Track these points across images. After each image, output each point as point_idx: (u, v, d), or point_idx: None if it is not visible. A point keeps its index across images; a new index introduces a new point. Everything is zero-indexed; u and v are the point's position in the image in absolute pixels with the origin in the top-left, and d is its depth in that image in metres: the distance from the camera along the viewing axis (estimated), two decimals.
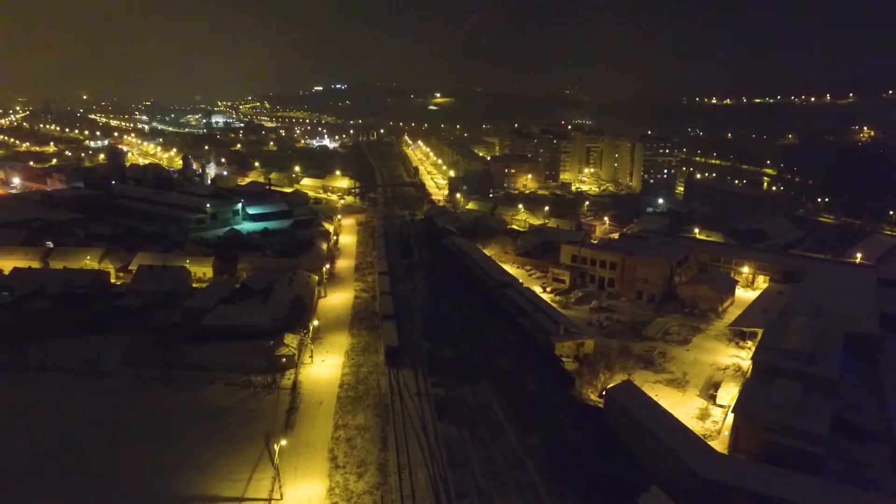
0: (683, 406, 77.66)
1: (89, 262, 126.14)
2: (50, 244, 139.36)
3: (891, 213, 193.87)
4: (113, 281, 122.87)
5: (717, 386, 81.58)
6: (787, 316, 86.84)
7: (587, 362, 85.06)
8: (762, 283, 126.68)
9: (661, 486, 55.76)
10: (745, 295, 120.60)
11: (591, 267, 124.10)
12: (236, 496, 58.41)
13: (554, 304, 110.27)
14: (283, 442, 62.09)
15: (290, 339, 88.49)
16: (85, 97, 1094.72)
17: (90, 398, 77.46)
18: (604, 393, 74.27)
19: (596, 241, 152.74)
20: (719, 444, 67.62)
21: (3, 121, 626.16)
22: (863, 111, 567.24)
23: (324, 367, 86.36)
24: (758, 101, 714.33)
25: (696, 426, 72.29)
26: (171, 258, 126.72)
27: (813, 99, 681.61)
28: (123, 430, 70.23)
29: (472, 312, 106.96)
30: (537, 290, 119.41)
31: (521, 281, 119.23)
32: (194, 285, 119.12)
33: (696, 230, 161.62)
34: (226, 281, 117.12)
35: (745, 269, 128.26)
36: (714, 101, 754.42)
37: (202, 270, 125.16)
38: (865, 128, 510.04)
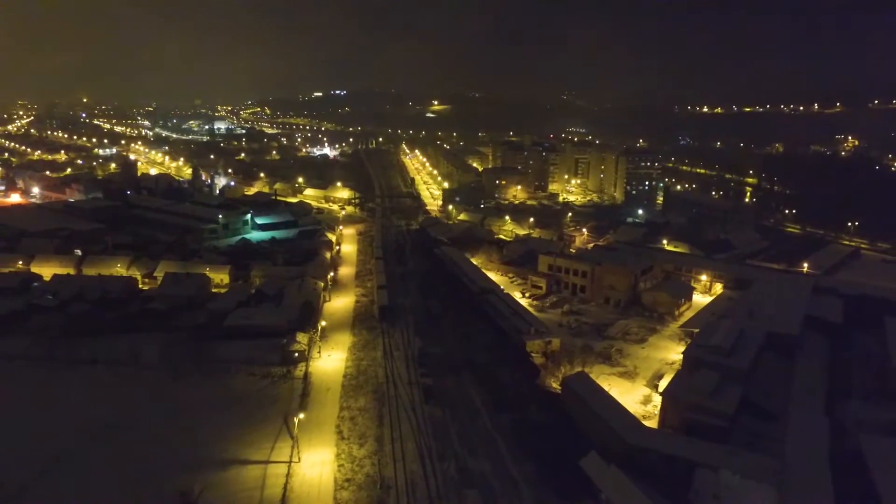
0: (631, 394, 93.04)
1: (119, 269, 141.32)
2: (78, 252, 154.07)
3: (848, 224, 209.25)
4: (141, 286, 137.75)
5: (660, 377, 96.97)
6: (724, 318, 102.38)
7: (553, 358, 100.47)
8: (719, 289, 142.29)
9: (599, 451, 71.06)
10: (702, 300, 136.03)
11: (565, 275, 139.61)
12: (263, 459, 73.70)
13: (531, 309, 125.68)
14: (301, 416, 77.80)
15: (302, 338, 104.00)
16: (85, 100, 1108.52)
17: (135, 385, 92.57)
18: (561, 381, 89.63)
19: (574, 251, 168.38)
20: (654, 422, 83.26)
21: (10, 127, 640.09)
22: (849, 121, 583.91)
23: (330, 361, 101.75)
24: (748, 109, 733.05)
25: (639, 409, 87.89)
26: (191, 266, 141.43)
27: (801, 108, 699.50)
28: (166, 411, 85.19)
29: (458, 315, 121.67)
30: (517, 295, 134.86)
31: (502, 287, 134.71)
32: (213, 290, 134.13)
33: (665, 241, 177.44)
34: (241, 287, 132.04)
35: (704, 278, 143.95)
36: (706, 109, 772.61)
37: (219, 277, 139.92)
38: (850, 137, 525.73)
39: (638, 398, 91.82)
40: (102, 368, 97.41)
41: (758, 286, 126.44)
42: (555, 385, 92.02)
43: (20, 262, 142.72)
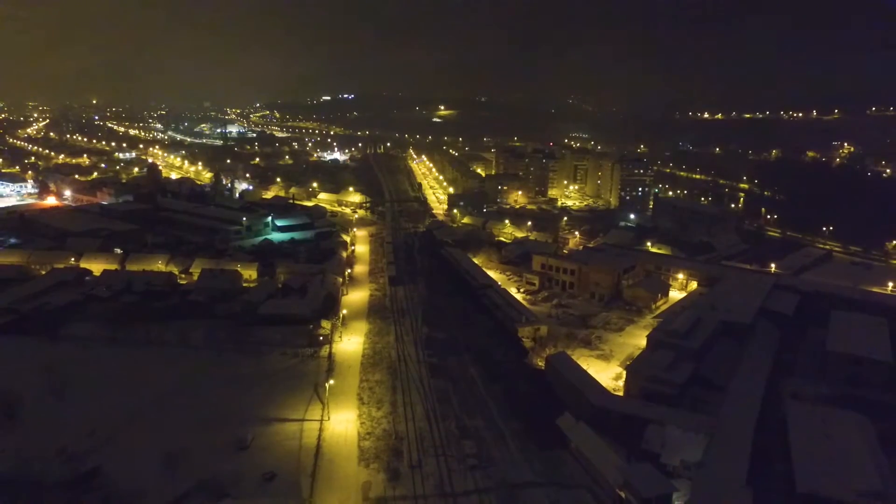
0: (606, 372, 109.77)
1: (159, 265, 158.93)
2: (118, 251, 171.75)
3: (823, 228, 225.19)
4: (179, 281, 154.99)
5: (631, 358, 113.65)
6: (686, 309, 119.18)
7: (540, 342, 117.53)
8: (694, 286, 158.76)
9: (571, 412, 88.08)
10: (678, 296, 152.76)
11: (556, 273, 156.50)
12: (299, 417, 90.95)
13: (525, 302, 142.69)
14: (332, 381, 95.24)
15: (326, 324, 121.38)
16: (94, 102, 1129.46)
17: (186, 362, 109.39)
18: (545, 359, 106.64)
19: (567, 252, 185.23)
20: (621, 392, 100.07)
21: (29, 130, 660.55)
22: (846, 127, 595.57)
23: (350, 344, 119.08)
24: (748, 116, 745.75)
25: (611, 383, 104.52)
26: (223, 263, 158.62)
27: (801, 115, 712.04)
28: (214, 382, 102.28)
29: (461, 307, 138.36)
30: (513, 290, 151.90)
31: (499, 283, 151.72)
32: (244, 285, 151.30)
33: (649, 243, 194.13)
34: (269, 282, 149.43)
35: (680, 276, 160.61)
36: (706, 115, 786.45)
37: (248, 273, 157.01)
38: (846, 144, 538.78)
39: (611, 375, 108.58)
40: (156, 349, 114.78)
41: (723, 283, 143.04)
42: (540, 363, 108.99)
43: (72, 259, 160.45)
